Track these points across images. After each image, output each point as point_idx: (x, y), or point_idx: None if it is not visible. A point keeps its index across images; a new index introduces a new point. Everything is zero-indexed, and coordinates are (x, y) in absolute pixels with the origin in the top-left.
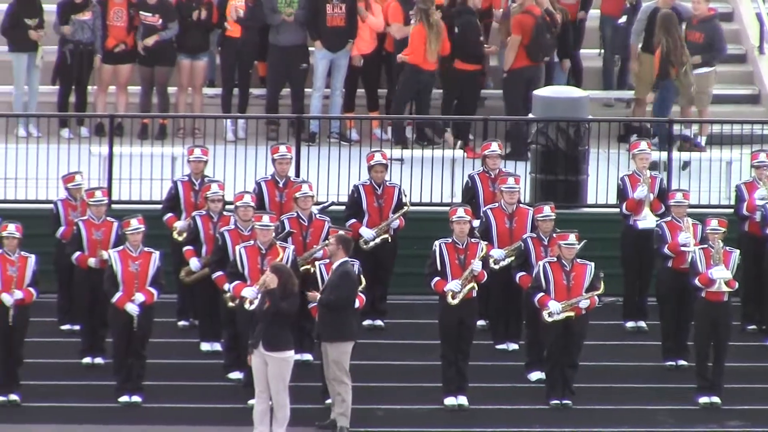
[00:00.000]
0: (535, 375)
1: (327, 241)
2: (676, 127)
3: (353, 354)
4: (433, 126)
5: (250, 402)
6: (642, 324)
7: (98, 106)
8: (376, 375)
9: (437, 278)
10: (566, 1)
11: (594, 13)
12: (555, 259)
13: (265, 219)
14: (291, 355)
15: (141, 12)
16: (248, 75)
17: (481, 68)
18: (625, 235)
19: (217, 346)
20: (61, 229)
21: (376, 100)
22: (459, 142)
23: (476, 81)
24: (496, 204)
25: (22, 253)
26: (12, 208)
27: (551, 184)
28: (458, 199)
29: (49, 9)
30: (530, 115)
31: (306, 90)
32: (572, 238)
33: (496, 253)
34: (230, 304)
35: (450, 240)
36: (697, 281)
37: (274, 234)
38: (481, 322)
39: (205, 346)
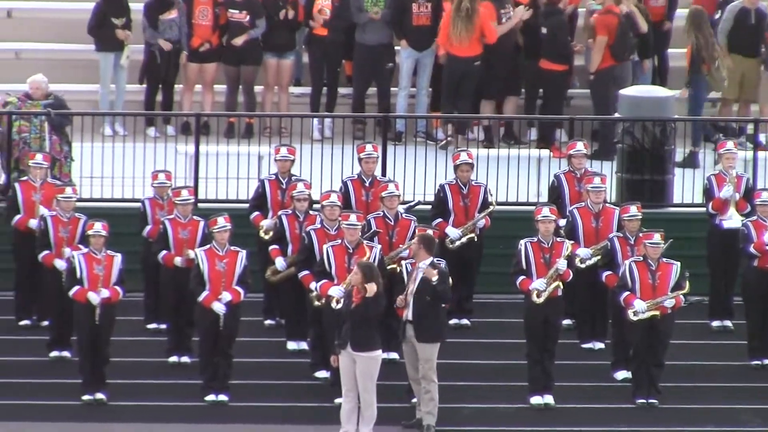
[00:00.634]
0: (621, 374)
1: (412, 241)
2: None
3: (439, 353)
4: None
5: (337, 401)
6: (728, 323)
7: (184, 105)
8: (462, 374)
9: (522, 277)
10: (654, 3)
11: (682, 12)
12: (641, 259)
13: (353, 218)
14: (379, 354)
15: (229, 9)
16: (336, 74)
17: (567, 68)
18: (711, 234)
19: (304, 345)
20: (148, 227)
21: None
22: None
23: (563, 81)
24: (583, 203)
25: (109, 251)
26: (98, 207)
27: (637, 184)
28: (543, 198)
29: (136, 8)
30: (616, 115)
31: (392, 89)
32: (658, 237)
33: (583, 252)
34: (316, 303)
35: (535, 239)
36: None
37: (360, 233)
38: (566, 321)
39: (291, 345)
